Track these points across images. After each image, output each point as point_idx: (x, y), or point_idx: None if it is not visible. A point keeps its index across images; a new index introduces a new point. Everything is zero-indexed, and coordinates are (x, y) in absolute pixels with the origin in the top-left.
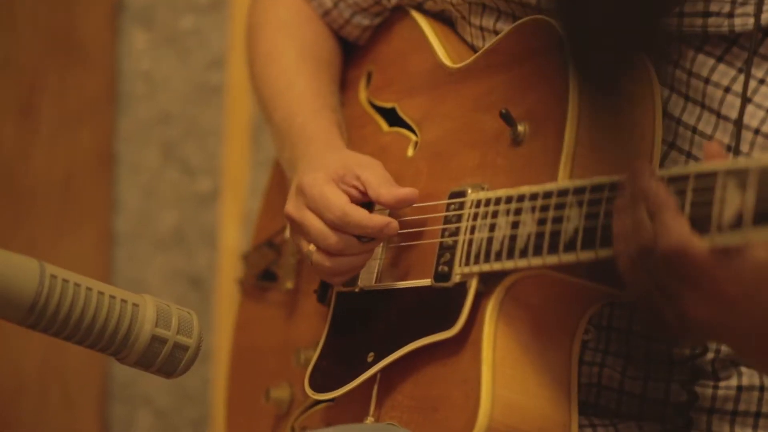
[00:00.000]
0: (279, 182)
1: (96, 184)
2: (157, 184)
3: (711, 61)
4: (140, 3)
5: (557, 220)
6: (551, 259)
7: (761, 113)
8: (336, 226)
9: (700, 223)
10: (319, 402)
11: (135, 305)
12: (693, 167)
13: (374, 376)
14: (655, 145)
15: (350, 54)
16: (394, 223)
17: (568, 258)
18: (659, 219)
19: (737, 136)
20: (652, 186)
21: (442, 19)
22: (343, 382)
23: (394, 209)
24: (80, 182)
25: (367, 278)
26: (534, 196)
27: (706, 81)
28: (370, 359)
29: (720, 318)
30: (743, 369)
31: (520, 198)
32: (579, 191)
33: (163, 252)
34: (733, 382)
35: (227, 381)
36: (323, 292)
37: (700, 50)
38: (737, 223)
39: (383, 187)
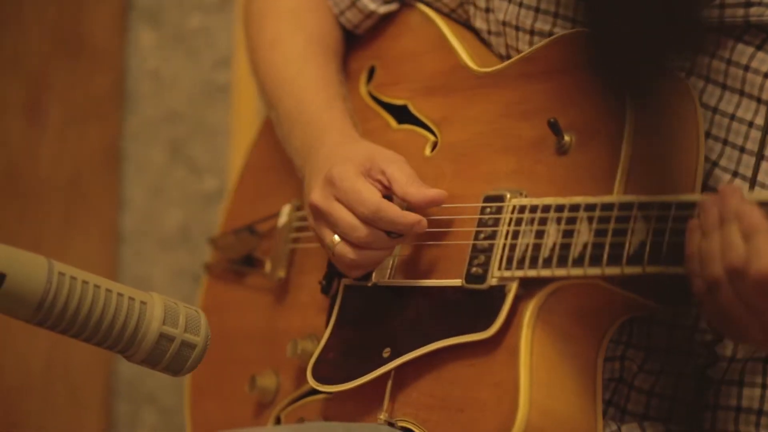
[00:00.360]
0: (253, 170)
1: (103, 183)
2: (163, 183)
3: (750, 50)
4: (148, 2)
5: (620, 233)
6: (612, 270)
7: None
8: (368, 220)
9: None
10: (311, 393)
11: (143, 303)
12: None
13: (389, 371)
14: (699, 162)
15: (349, 46)
16: (424, 221)
17: (632, 270)
18: (753, 241)
19: None
20: (747, 208)
21: (455, 18)
22: (354, 375)
23: (421, 209)
24: (87, 180)
25: (380, 274)
26: (591, 207)
27: (746, 68)
28: (386, 354)
29: None
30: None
31: (574, 207)
32: (645, 206)
33: (169, 250)
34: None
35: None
36: (329, 284)
37: (739, 40)
38: None
39: (412, 185)
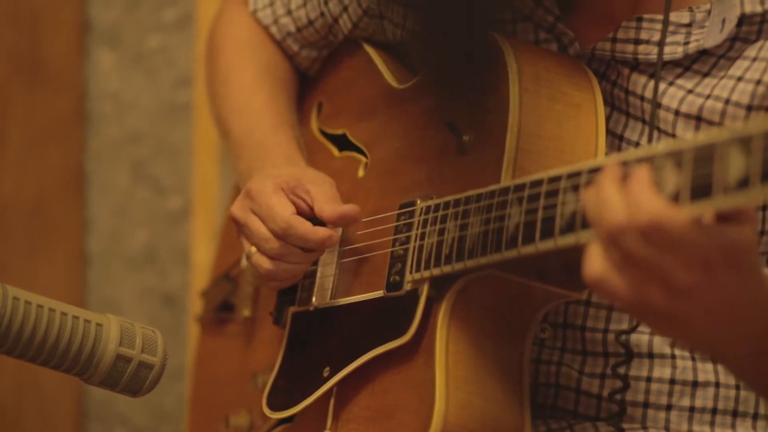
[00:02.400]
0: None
1: (66, 205)
2: (127, 203)
3: (643, 79)
4: (106, 23)
5: (500, 219)
6: (495, 257)
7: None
8: (279, 234)
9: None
10: (280, 424)
11: (99, 325)
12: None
13: (331, 390)
14: (599, 151)
15: (303, 87)
16: (335, 236)
17: (510, 254)
18: (629, 193)
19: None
20: (614, 166)
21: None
22: (300, 398)
23: (337, 225)
24: (51, 203)
25: (321, 296)
26: (479, 198)
27: (642, 98)
28: (326, 374)
29: (705, 290)
30: (678, 362)
31: (467, 200)
32: (519, 188)
33: (135, 271)
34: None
35: (188, 415)
36: (279, 314)
37: (635, 69)
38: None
39: (327, 203)
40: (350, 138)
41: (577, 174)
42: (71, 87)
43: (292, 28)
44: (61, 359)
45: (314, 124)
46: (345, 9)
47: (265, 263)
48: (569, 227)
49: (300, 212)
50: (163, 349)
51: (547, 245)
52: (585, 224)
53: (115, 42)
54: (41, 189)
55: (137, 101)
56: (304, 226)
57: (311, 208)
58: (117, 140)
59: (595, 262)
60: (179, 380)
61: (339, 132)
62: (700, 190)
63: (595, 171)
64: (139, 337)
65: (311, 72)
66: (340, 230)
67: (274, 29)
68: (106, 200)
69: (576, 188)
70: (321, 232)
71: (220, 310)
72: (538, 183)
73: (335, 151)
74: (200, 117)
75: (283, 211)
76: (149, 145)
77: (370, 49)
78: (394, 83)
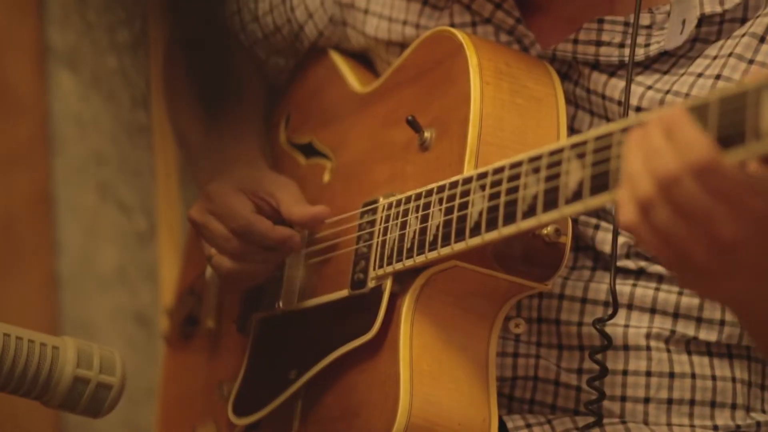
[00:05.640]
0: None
1: (35, 228)
2: (96, 224)
3: (604, 77)
4: (66, 45)
5: (463, 207)
6: (459, 246)
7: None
8: (239, 233)
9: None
10: (246, 431)
11: (55, 348)
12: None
13: (298, 393)
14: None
15: (272, 101)
16: (297, 237)
17: (474, 242)
18: (677, 136)
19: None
20: (661, 113)
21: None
22: (266, 402)
23: (305, 227)
24: (19, 226)
25: (288, 299)
26: (441, 189)
27: (603, 97)
28: (292, 376)
29: (750, 237)
30: (653, 353)
31: (428, 193)
32: (481, 176)
33: (107, 291)
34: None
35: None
36: (243, 322)
37: (595, 68)
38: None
39: (295, 206)
40: (316, 145)
41: (538, 158)
42: (35, 110)
43: (260, 35)
44: (18, 383)
45: (282, 136)
46: (311, 16)
47: (225, 263)
48: (531, 210)
49: (262, 214)
50: (121, 369)
51: (510, 230)
52: (546, 207)
53: (74, 64)
54: (9, 212)
55: (99, 122)
56: (264, 224)
57: (276, 211)
58: (82, 162)
59: (630, 211)
60: (155, 398)
61: (305, 141)
62: (732, 138)
63: (556, 153)
64: (96, 358)
65: (279, 82)
66: (306, 232)
67: (242, 36)
68: (75, 222)
69: (537, 170)
70: (281, 231)
71: (185, 325)
72: (500, 170)
73: (302, 160)
74: (160, 137)
75: (243, 209)
76: (112, 165)
77: (335, 56)
78: (358, 87)
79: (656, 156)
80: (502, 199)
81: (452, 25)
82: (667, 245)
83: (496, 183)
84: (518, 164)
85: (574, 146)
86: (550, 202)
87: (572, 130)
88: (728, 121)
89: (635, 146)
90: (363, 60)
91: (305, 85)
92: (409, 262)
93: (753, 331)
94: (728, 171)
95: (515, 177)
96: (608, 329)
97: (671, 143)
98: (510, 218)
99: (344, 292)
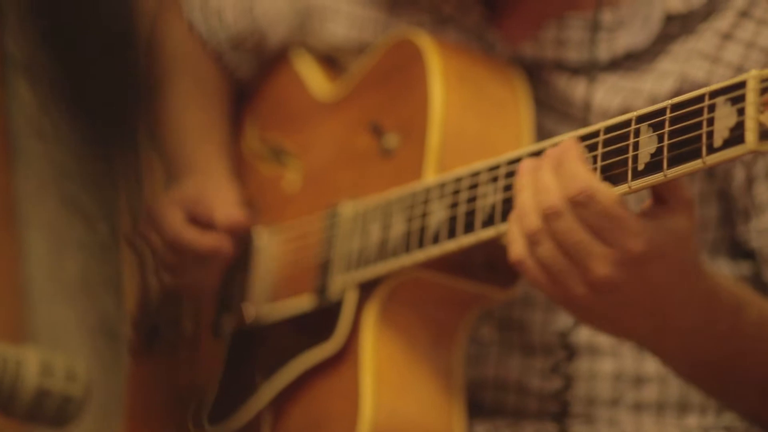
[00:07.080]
0: None
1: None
2: (60, 235)
3: (566, 76)
4: (22, 54)
5: (423, 216)
6: (419, 255)
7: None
8: (170, 246)
9: (614, 175)
10: None
11: (17, 359)
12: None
13: (268, 406)
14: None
15: (238, 104)
16: (226, 242)
17: (432, 251)
18: (563, 169)
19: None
20: (551, 151)
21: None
22: (233, 411)
23: (228, 231)
24: None
25: (250, 307)
26: (403, 198)
27: (565, 96)
28: (258, 382)
29: (626, 278)
30: (621, 356)
31: (390, 202)
32: (441, 186)
33: (73, 302)
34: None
35: None
36: (217, 325)
37: (558, 67)
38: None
39: (220, 209)
40: (282, 150)
41: (496, 167)
42: None
43: (223, 36)
44: None
45: (248, 140)
46: (273, 17)
47: (166, 278)
48: (490, 219)
49: (198, 223)
50: (85, 379)
51: (469, 239)
52: (505, 216)
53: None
54: None
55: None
56: (191, 234)
57: (211, 218)
58: (45, 172)
59: (519, 245)
60: (120, 409)
61: (271, 146)
62: (615, 167)
63: (514, 162)
64: (60, 369)
65: (245, 79)
66: (265, 238)
67: (207, 35)
68: (39, 233)
69: (495, 180)
70: (208, 238)
71: (149, 335)
72: (459, 179)
73: (267, 165)
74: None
75: (172, 221)
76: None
77: (297, 61)
78: (324, 92)
79: (544, 189)
80: (461, 208)
81: (416, 24)
82: (551, 280)
83: (456, 192)
84: (477, 173)
85: (532, 155)
86: (508, 212)
87: (539, 131)
88: (611, 151)
89: (527, 179)
90: (329, 60)
91: (269, 92)
92: (370, 271)
93: (677, 372)
94: (605, 203)
95: (474, 186)
96: (575, 332)
97: (557, 176)
98: (469, 228)
99: (307, 300)
